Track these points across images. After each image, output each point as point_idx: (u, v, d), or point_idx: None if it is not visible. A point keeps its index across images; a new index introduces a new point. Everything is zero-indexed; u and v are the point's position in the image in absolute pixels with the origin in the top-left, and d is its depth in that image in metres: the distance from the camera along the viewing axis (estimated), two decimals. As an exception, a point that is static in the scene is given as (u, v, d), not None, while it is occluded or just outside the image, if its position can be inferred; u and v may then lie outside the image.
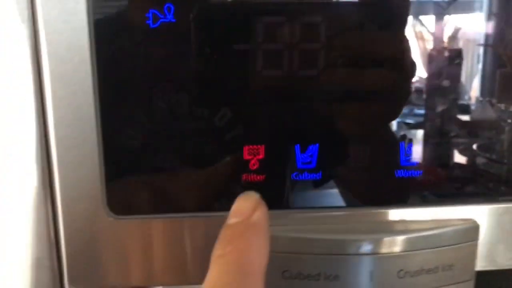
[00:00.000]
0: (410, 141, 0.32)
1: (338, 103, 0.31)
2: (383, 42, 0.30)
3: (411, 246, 0.31)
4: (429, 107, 0.32)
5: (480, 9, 0.31)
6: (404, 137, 0.32)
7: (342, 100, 0.31)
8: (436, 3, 0.30)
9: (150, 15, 0.28)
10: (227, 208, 0.31)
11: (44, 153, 0.30)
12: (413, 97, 0.31)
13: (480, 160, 0.34)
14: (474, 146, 0.33)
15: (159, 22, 0.28)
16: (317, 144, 0.31)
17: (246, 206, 0.26)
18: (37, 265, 0.31)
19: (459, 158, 0.33)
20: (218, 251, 0.25)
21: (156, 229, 0.31)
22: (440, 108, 0.32)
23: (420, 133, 0.32)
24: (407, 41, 0.30)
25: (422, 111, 0.32)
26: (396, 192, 0.32)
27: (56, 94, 0.29)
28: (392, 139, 0.32)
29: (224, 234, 0.26)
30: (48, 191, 0.30)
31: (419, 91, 0.31)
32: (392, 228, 0.32)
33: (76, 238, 0.31)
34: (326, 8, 0.30)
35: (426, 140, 0.33)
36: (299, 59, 0.30)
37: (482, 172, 0.34)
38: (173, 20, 0.28)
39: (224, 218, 0.30)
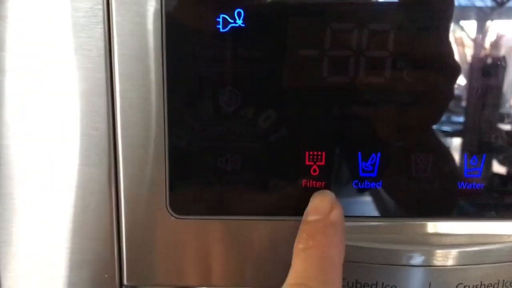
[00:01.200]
0: (473, 153, 0.31)
1: (404, 109, 0.30)
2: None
3: (472, 260, 0.31)
4: (469, 115, 0.31)
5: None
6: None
7: (408, 105, 0.30)
8: (479, 9, 0.29)
9: (220, 19, 0.29)
10: (286, 212, 0.31)
11: (112, 151, 0.30)
12: (452, 104, 0.31)
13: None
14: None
15: (229, 27, 0.29)
16: (379, 153, 0.31)
17: (324, 204, 0.28)
18: (99, 260, 0.32)
19: (498, 168, 0.32)
20: (300, 244, 0.27)
21: (215, 230, 0.32)
22: (480, 117, 0.31)
23: (447, 136, 0.32)
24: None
25: (460, 119, 0.31)
26: (457, 203, 0.32)
27: (125, 94, 0.29)
28: (454, 149, 0.32)
29: (304, 229, 0.28)
30: (113, 189, 0.31)
31: (458, 98, 0.31)
32: (453, 241, 0.31)
33: (137, 235, 0.32)
34: (392, 13, 0.29)
35: (493, 159, 0.32)
36: (365, 65, 0.29)
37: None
38: (243, 25, 0.29)
39: (283, 223, 0.31)
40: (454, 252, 0.31)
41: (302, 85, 0.30)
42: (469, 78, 0.30)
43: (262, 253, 0.32)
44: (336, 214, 0.28)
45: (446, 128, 0.31)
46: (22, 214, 0.32)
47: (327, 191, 0.29)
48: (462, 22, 0.30)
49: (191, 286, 0.33)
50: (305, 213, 0.29)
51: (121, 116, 0.30)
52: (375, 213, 0.32)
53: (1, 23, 0.28)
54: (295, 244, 0.27)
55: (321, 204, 0.28)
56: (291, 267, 0.27)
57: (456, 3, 0.29)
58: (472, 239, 0.32)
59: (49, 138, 0.30)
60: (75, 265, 0.32)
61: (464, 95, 0.31)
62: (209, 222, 0.31)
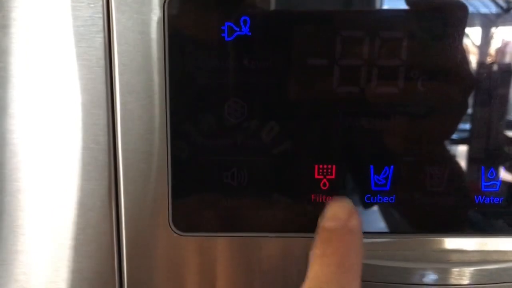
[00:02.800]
0: (491, 166, 0.30)
1: (418, 120, 0.29)
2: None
3: (489, 279, 0.29)
4: (475, 122, 0.30)
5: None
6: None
7: (422, 117, 0.29)
8: (484, 16, 0.28)
9: (226, 27, 0.27)
10: (295, 229, 0.30)
11: (112, 166, 0.29)
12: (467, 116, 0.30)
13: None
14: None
15: (234, 35, 0.27)
16: (392, 166, 0.30)
17: (342, 212, 0.28)
18: (99, 278, 0.31)
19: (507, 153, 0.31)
20: (318, 250, 0.26)
21: (220, 248, 0.30)
22: (486, 124, 0.30)
23: (463, 149, 0.30)
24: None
25: (466, 127, 0.30)
26: (474, 219, 0.30)
27: (126, 106, 0.28)
28: (470, 162, 0.30)
29: (322, 235, 0.27)
30: (114, 204, 0.29)
31: (473, 109, 0.29)
32: (469, 258, 0.30)
33: (138, 253, 0.30)
34: (403, 22, 0.28)
35: (471, 156, 0.30)
36: (377, 76, 0.28)
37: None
38: (249, 34, 0.27)
39: (292, 240, 0.29)
40: (470, 270, 0.29)
41: (310, 96, 0.29)
42: (485, 89, 0.29)
43: (269, 272, 0.30)
44: (354, 222, 0.27)
45: (461, 141, 0.30)
46: (22, 231, 0.30)
47: (345, 199, 0.29)
48: (476, 29, 0.28)
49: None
50: (322, 219, 0.28)
51: (122, 129, 0.28)
52: (388, 228, 0.31)
53: (3, 33, 0.27)
54: (312, 250, 0.27)
55: (339, 211, 0.28)
56: (308, 272, 0.26)
57: (469, 10, 0.28)
58: (489, 257, 0.30)
59: (49, 151, 0.29)
60: (75, 284, 0.31)
61: (479, 105, 0.29)
62: (213, 239, 0.30)
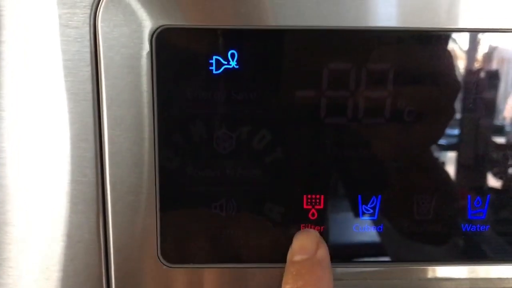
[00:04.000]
0: (478, 195, 0.30)
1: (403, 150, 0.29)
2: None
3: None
4: (463, 127, 0.30)
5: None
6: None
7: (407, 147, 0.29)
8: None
9: (213, 61, 0.27)
10: (284, 259, 0.30)
11: (101, 198, 0.29)
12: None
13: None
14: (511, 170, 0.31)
15: (222, 68, 0.28)
16: (380, 195, 0.30)
17: (309, 243, 0.28)
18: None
19: (493, 182, 0.31)
20: (288, 285, 0.26)
21: (210, 279, 0.30)
22: (474, 129, 0.30)
23: (452, 155, 0.30)
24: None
25: (455, 132, 0.30)
26: (462, 246, 0.31)
27: (114, 139, 0.28)
28: (456, 190, 0.30)
29: (291, 269, 0.27)
30: (102, 237, 0.29)
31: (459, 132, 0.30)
32: (458, 286, 0.30)
33: (127, 284, 0.30)
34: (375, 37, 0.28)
35: (460, 162, 0.30)
36: (364, 105, 0.28)
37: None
38: (237, 67, 0.28)
39: (280, 271, 0.29)
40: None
41: (298, 127, 0.29)
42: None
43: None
44: (322, 252, 0.28)
45: (449, 169, 0.30)
46: (10, 264, 0.30)
47: (311, 230, 0.29)
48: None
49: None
50: (290, 252, 0.28)
51: (110, 162, 0.28)
52: (377, 257, 0.31)
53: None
54: (283, 285, 0.27)
55: (306, 243, 0.28)
56: None
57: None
58: (477, 284, 0.31)
59: (36, 184, 0.29)
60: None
61: (465, 130, 0.30)
62: (203, 270, 0.30)
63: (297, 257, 0.28)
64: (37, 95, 0.28)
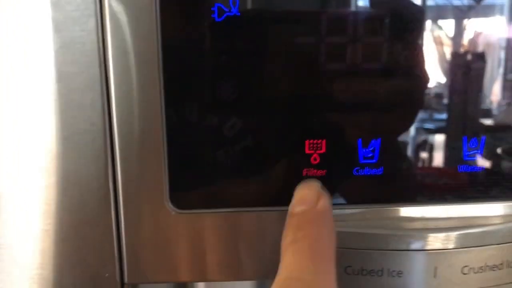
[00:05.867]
0: (474, 136, 0.31)
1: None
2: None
3: (477, 242, 0.31)
4: (450, 111, 0.31)
5: (501, 13, 0.30)
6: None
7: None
8: (456, 7, 0.30)
9: (215, 8, 0.28)
10: (287, 202, 0.31)
11: (109, 147, 0.30)
12: (433, 102, 0.31)
13: (505, 164, 0.33)
14: (498, 150, 0.33)
15: (224, 16, 0.28)
16: (379, 139, 0.31)
17: (310, 194, 0.27)
18: (99, 259, 0.31)
19: (482, 162, 0.32)
20: (289, 237, 0.26)
21: (216, 224, 0.31)
22: (461, 113, 0.31)
23: (440, 138, 0.32)
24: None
25: (442, 116, 0.31)
26: (459, 187, 0.32)
27: (120, 88, 0.29)
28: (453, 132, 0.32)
29: (292, 222, 0.26)
30: (111, 185, 0.30)
31: (439, 95, 0.31)
32: (458, 224, 0.31)
33: (137, 232, 0.31)
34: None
35: (447, 145, 0.32)
36: (365, 55, 0.29)
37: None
38: (238, 14, 0.28)
39: (285, 213, 0.30)
40: (456, 234, 0.31)
41: (298, 73, 0.30)
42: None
43: (263, 244, 0.31)
44: (324, 203, 0.27)
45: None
46: (13, 214, 0.31)
47: (313, 181, 0.28)
48: (439, 22, 0.30)
49: (193, 281, 0.33)
50: (290, 205, 0.28)
51: (117, 110, 0.29)
52: (376, 198, 0.32)
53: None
54: (283, 238, 0.26)
55: (307, 194, 0.27)
56: (281, 261, 0.25)
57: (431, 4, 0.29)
58: (476, 221, 0.32)
59: (45, 136, 0.29)
60: (75, 266, 0.31)
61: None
62: (210, 215, 0.31)
63: (298, 209, 0.27)
64: (44, 45, 0.28)
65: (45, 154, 0.30)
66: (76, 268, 0.31)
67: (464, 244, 0.31)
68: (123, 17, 0.28)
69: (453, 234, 0.30)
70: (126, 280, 0.32)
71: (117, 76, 0.29)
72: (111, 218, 0.31)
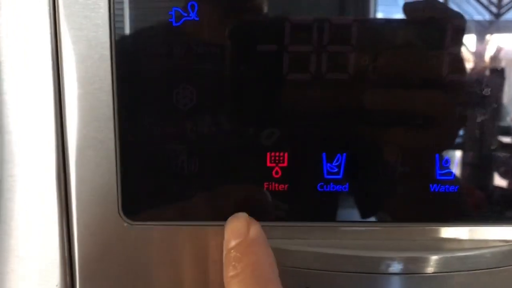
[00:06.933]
0: (446, 154, 0.29)
1: (382, 127, 0.29)
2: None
3: (446, 267, 0.29)
4: (470, 127, 0.29)
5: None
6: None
7: (387, 125, 0.29)
8: (478, 22, 0.28)
9: (173, 12, 0.27)
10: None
11: (61, 153, 0.29)
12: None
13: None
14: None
15: (182, 20, 0.27)
16: (345, 154, 0.29)
17: (240, 225, 0.28)
18: (49, 269, 0.30)
19: (499, 181, 0.30)
20: (230, 272, 0.26)
21: (171, 237, 0.30)
22: (480, 129, 0.29)
23: (459, 154, 0.30)
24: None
25: (461, 132, 0.30)
26: (429, 208, 0.30)
27: (74, 92, 0.28)
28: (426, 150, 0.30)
29: (229, 256, 0.27)
30: (63, 192, 0.29)
31: None
32: (426, 247, 0.29)
33: (89, 242, 0.30)
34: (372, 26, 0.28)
35: (466, 161, 0.30)
36: (329, 65, 0.28)
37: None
38: (197, 19, 0.27)
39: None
40: (426, 258, 0.29)
41: (261, 82, 0.28)
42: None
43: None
44: (255, 230, 0.27)
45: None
46: None
47: (239, 213, 0.28)
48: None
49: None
50: (224, 242, 0.28)
51: (69, 117, 0.28)
52: (342, 217, 0.30)
53: None
54: (224, 274, 0.27)
55: (236, 226, 0.28)
56: None
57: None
58: (447, 245, 0.30)
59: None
60: (22, 275, 0.30)
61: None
62: (163, 228, 0.30)
63: (232, 243, 0.27)
64: None
65: None
66: (24, 278, 0.30)
67: (434, 269, 0.29)
68: (77, 20, 0.27)
69: (421, 258, 0.29)
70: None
71: (72, 80, 0.28)
72: (63, 226, 0.30)
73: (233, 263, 0.26)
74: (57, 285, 0.30)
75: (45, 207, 0.29)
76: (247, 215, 0.28)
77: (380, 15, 0.28)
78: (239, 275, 0.25)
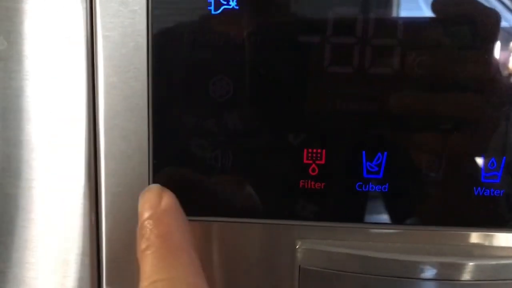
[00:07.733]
0: (492, 156, 0.28)
1: (425, 127, 0.28)
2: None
3: (484, 275, 0.28)
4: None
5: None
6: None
7: (431, 125, 0.27)
8: (504, 29, 0.26)
9: (212, 0, 0.26)
10: (281, 215, 0.28)
11: (92, 144, 0.28)
12: None
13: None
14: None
15: (221, 8, 0.26)
16: (386, 153, 0.28)
17: (151, 197, 0.27)
18: (78, 262, 0.29)
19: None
20: (142, 245, 0.25)
21: (202, 232, 0.29)
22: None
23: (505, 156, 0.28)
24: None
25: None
26: (473, 212, 0.29)
27: (107, 81, 0.27)
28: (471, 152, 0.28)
29: (141, 232, 0.26)
30: (93, 184, 0.28)
31: None
32: (466, 253, 0.28)
33: (118, 236, 0.29)
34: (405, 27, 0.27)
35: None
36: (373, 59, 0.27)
37: None
38: (236, 7, 0.26)
39: (278, 226, 0.28)
40: (465, 264, 0.28)
41: (298, 74, 0.27)
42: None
43: (254, 259, 0.29)
44: (167, 200, 0.26)
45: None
46: None
47: (152, 185, 0.28)
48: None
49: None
50: (138, 216, 0.27)
51: (105, 105, 0.27)
52: (380, 219, 0.29)
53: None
54: (137, 249, 0.26)
55: (149, 198, 0.26)
56: (140, 272, 0.25)
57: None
58: (488, 252, 0.28)
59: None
60: (42, 268, 0.29)
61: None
62: (196, 223, 0.29)
63: (144, 215, 0.26)
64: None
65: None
66: (53, 267, 0.29)
67: (471, 276, 0.27)
68: (113, 7, 0.26)
69: (460, 264, 0.27)
70: (104, 285, 0.30)
71: (106, 68, 0.27)
72: (92, 220, 0.29)
73: (144, 236, 0.25)
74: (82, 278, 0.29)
75: (71, 199, 0.28)
76: (160, 186, 0.27)
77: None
78: (150, 247, 0.25)
